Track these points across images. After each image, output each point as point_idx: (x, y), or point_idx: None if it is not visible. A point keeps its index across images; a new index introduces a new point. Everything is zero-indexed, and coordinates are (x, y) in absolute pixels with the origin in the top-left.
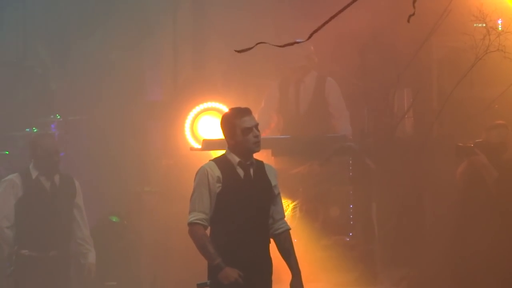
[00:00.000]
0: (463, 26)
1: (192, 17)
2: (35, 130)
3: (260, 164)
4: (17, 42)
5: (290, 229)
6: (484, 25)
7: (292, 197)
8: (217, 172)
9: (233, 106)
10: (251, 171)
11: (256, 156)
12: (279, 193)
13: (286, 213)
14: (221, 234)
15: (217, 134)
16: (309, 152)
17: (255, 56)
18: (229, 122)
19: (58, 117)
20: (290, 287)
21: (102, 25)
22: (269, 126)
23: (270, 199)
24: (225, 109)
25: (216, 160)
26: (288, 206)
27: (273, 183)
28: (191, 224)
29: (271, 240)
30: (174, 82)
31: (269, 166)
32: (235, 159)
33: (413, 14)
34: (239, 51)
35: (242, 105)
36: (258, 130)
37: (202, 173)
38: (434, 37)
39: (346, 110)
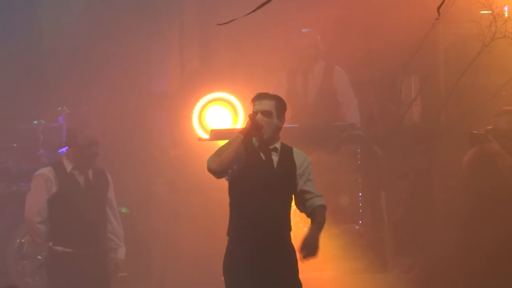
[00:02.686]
0: (469, 13)
1: (198, 8)
2: (43, 122)
3: (287, 151)
4: (26, 35)
5: (323, 205)
6: (490, 12)
7: None
8: (243, 155)
9: (241, 96)
10: (274, 156)
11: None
12: (310, 177)
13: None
14: (240, 218)
15: (225, 124)
16: (317, 141)
17: (262, 46)
18: (251, 103)
19: (66, 109)
20: (301, 242)
21: (109, 17)
22: None
23: (292, 186)
24: (233, 99)
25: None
26: None
27: (298, 171)
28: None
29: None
30: (181, 73)
31: (299, 151)
32: (256, 143)
33: (438, 18)
34: (220, 24)
35: (250, 95)
36: (267, 117)
37: None
38: (440, 25)
39: (355, 99)
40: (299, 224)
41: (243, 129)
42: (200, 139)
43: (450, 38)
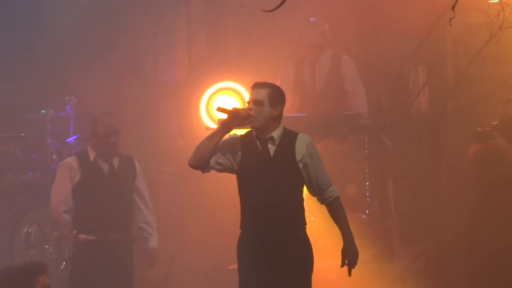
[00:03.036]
0: (477, 3)
1: None
2: (50, 112)
3: (289, 138)
4: (33, 24)
5: (338, 195)
6: (498, 1)
7: None
8: (236, 140)
9: (248, 85)
10: (270, 145)
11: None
12: (317, 163)
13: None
14: (245, 210)
15: None
16: (324, 130)
17: (270, 35)
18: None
19: (74, 99)
20: (342, 253)
21: (116, 6)
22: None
23: (292, 173)
24: (240, 88)
25: (242, 135)
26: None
27: (298, 157)
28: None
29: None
30: (189, 62)
31: (303, 137)
32: (254, 133)
33: (453, 17)
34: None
35: None
36: (258, 105)
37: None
38: (448, 14)
39: (362, 88)
40: (307, 213)
41: (223, 120)
42: (207, 128)
43: (458, 28)
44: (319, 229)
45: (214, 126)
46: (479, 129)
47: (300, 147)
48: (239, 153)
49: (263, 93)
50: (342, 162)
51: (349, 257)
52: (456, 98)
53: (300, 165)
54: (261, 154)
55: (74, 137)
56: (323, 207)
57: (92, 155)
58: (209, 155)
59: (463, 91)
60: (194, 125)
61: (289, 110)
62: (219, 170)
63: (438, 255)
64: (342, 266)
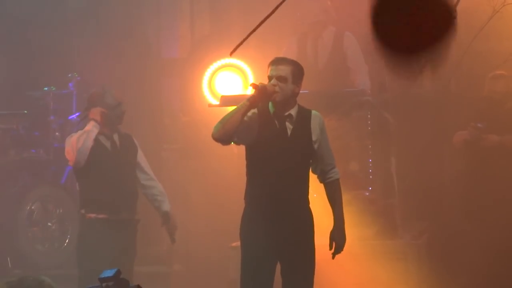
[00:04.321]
0: None
1: None
2: (53, 89)
3: (304, 116)
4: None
5: (338, 178)
6: None
7: None
8: (252, 112)
9: (251, 62)
10: (288, 123)
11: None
12: (326, 143)
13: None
14: (254, 186)
15: (236, 90)
16: (327, 107)
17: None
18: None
19: (77, 76)
20: (330, 235)
21: None
22: None
23: (307, 154)
24: (243, 65)
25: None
26: None
27: (314, 137)
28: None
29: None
30: (192, 39)
31: (316, 115)
32: (273, 109)
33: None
34: None
35: (260, 61)
36: (283, 82)
37: None
38: None
39: (365, 64)
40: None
41: (250, 96)
42: (210, 105)
43: (461, 3)
44: (322, 206)
45: (216, 102)
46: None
47: (315, 127)
48: (256, 128)
49: (287, 70)
50: (344, 139)
51: (337, 241)
52: (459, 75)
53: (315, 146)
54: (279, 132)
55: (77, 114)
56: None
57: (93, 131)
58: (236, 129)
59: (466, 68)
60: (197, 102)
61: None
62: (237, 143)
63: (441, 232)
64: (330, 249)
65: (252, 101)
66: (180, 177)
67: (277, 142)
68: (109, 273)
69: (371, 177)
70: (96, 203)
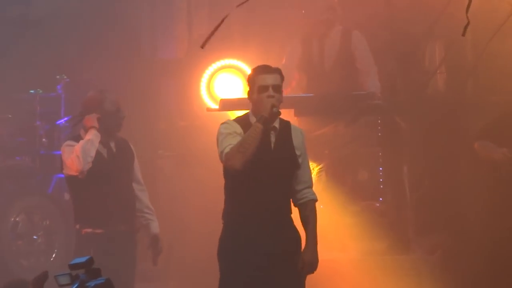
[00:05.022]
0: None
1: None
2: (40, 92)
3: (285, 127)
4: None
5: (315, 199)
6: None
7: (317, 160)
8: (239, 129)
9: (253, 63)
10: (271, 137)
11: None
12: (305, 160)
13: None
14: (235, 203)
15: (236, 93)
16: (334, 111)
17: (276, 9)
18: (250, 78)
19: (65, 77)
20: (301, 256)
21: None
22: (290, 84)
23: (291, 168)
24: (244, 66)
25: (237, 119)
26: (313, 169)
27: (298, 152)
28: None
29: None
30: (189, 38)
31: (297, 129)
32: (253, 119)
33: (467, 25)
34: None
35: (262, 62)
36: (278, 92)
37: (224, 126)
38: None
39: (374, 66)
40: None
41: (261, 118)
42: (208, 109)
43: (478, 0)
44: (327, 219)
45: (215, 106)
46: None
47: (298, 141)
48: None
49: (279, 78)
50: (353, 146)
51: (306, 261)
52: (476, 76)
53: (299, 160)
54: (262, 146)
55: (65, 119)
56: (333, 195)
57: (96, 141)
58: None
59: (483, 69)
60: (195, 105)
61: (296, 90)
62: None
63: (457, 247)
64: (300, 268)
65: (266, 124)
66: (177, 187)
67: (261, 156)
68: (80, 260)
69: (381, 187)
70: (91, 217)
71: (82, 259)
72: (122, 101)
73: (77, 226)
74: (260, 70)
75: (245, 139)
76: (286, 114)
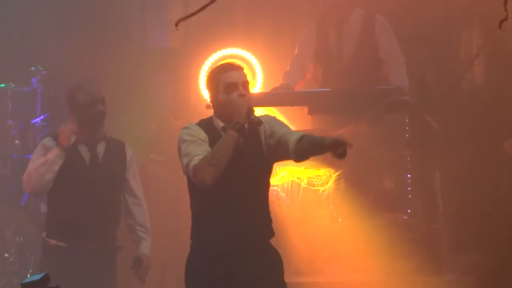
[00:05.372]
0: None
1: None
2: (12, 86)
3: (254, 123)
4: None
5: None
6: None
7: (335, 165)
8: (203, 135)
9: (260, 53)
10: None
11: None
12: (282, 128)
13: (328, 185)
14: (204, 220)
15: None
16: (354, 109)
17: None
18: (211, 79)
19: (41, 69)
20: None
21: None
22: (304, 78)
23: (264, 165)
24: (250, 57)
25: (200, 124)
26: (330, 176)
27: (264, 138)
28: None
29: None
30: (186, 24)
31: (268, 118)
32: (219, 124)
33: (506, 19)
34: None
35: (271, 52)
36: (247, 90)
37: (185, 131)
38: None
39: (401, 56)
40: (333, 214)
41: (236, 125)
42: (208, 106)
43: None
44: (348, 234)
45: None
46: None
47: (262, 128)
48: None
49: (246, 76)
50: (376, 149)
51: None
52: None
53: (271, 142)
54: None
55: (42, 117)
56: (354, 206)
57: (71, 138)
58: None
59: None
60: (192, 102)
61: (310, 84)
62: None
63: (497, 268)
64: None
65: (242, 132)
66: (171, 198)
67: (230, 164)
68: (34, 278)
69: (410, 196)
70: (59, 227)
71: (37, 277)
72: (108, 97)
73: (44, 234)
74: (223, 68)
75: (216, 150)
76: (299, 112)
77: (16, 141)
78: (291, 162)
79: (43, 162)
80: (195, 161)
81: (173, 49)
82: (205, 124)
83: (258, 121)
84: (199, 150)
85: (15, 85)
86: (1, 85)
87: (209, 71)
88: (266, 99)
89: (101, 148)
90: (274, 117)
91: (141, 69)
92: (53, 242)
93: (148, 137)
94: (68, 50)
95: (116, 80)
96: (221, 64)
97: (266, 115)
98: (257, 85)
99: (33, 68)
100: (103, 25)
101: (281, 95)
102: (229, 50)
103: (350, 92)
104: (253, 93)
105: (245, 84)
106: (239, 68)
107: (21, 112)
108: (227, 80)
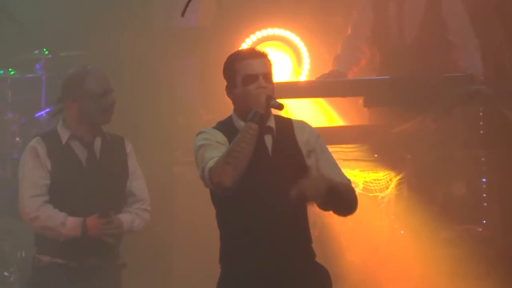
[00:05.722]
0: None
1: None
2: (12, 73)
3: (285, 126)
4: None
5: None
6: None
7: (395, 168)
8: (221, 138)
9: (306, 34)
10: (267, 139)
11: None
12: (324, 154)
13: (387, 191)
14: (235, 239)
15: (283, 75)
16: (418, 101)
17: None
18: (228, 67)
19: (46, 53)
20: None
21: None
22: (358, 63)
23: (299, 175)
24: (294, 38)
25: (218, 126)
26: (390, 181)
27: (304, 150)
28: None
29: None
30: (217, 1)
31: (301, 124)
32: (240, 123)
33: None
34: None
35: (320, 33)
36: (271, 83)
37: (200, 136)
38: None
39: (474, 38)
40: (394, 225)
41: (256, 115)
42: None
43: None
44: (413, 249)
45: None
46: None
47: (302, 136)
48: None
49: (269, 64)
50: (445, 148)
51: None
52: None
53: (311, 159)
54: (257, 152)
55: (47, 109)
56: (419, 216)
57: (64, 135)
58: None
59: None
60: (225, 93)
61: (366, 70)
62: None
63: None
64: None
65: (262, 123)
66: (200, 205)
67: (258, 166)
68: None
69: (485, 204)
70: (53, 241)
71: None
72: (124, 85)
73: (35, 249)
74: (243, 55)
75: (233, 147)
76: (351, 105)
77: (17, 139)
78: (342, 162)
79: (58, 232)
80: (211, 163)
81: (203, 29)
82: (224, 126)
83: (279, 105)
84: (216, 153)
85: (15, 72)
86: (0, 71)
87: (228, 58)
88: (313, 89)
89: (97, 144)
90: (318, 134)
91: (165, 53)
92: (47, 258)
93: (173, 133)
94: (77, 29)
95: (134, 66)
96: (240, 51)
97: (305, 123)
98: (303, 72)
99: (36, 52)
100: (123, 1)
101: (331, 84)
102: (270, 30)
103: (413, 80)
104: (298, 82)
105: (266, 76)
106: (261, 55)
107: (22, 103)
108: (246, 71)
